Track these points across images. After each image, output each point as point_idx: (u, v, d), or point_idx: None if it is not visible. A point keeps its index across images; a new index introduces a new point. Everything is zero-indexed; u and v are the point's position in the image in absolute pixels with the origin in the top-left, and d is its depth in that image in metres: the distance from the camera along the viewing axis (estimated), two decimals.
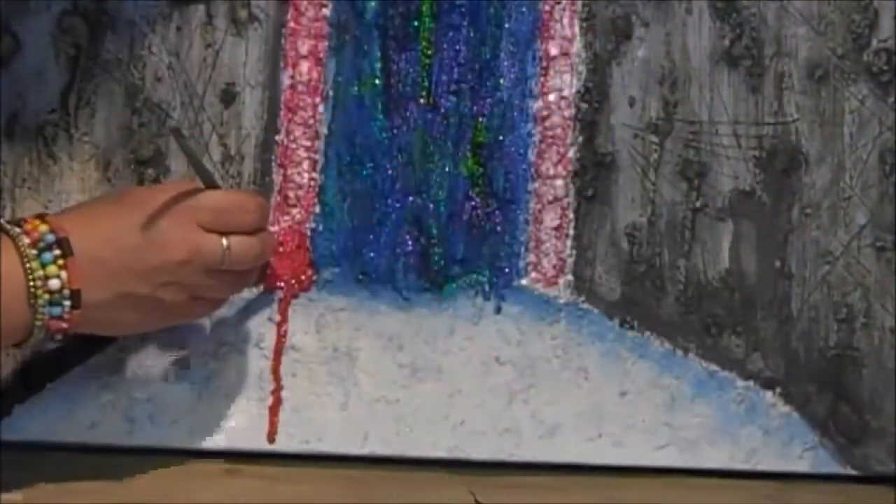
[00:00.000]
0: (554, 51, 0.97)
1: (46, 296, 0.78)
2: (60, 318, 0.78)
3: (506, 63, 0.97)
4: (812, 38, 0.99)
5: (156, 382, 0.92)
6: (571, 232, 0.97)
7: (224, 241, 0.83)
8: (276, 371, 0.94)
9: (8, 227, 0.78)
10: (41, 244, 0.78)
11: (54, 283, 0.78)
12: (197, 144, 0.94)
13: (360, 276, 0.95)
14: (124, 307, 0.81)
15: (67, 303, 0.78)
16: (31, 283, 0.77)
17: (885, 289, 0.99)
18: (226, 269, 0.84)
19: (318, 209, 0.95)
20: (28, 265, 0.77)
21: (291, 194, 0.95)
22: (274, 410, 0.94)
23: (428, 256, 0.96)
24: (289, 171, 0.95)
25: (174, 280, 0.82)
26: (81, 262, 0.78)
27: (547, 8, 0.97)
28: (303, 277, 0.94)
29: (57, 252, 0.78)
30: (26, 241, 0.78)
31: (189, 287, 0.83)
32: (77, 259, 0.78)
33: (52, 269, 0.78)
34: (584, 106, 0.97)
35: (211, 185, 0.85)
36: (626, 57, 0.98)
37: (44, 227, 0.78)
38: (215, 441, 0.93)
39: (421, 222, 0.96)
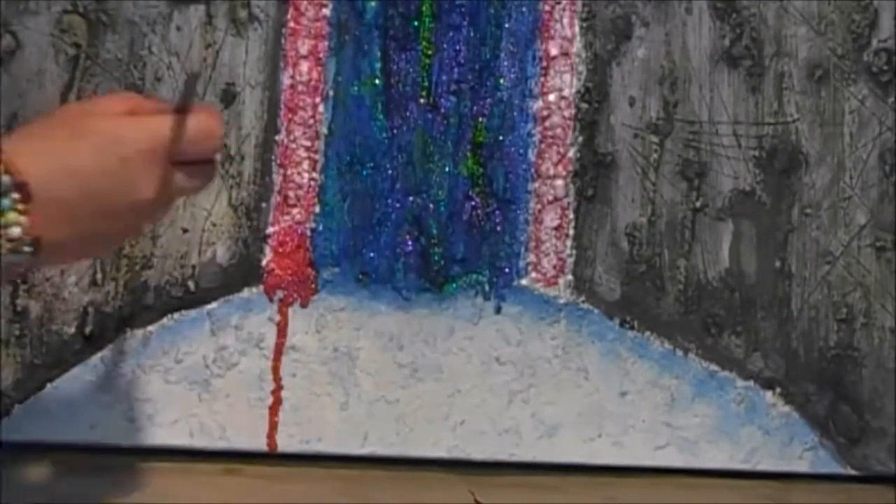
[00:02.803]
0: (554, 51, 0.97)
1: (9, 244, 0.70)
2: (19, 264, 0.71)
3: (506, 63, 0.97)
4: (812, 38, 0.99)
5: (156, 382, 0.92)
6: (571, 232, 0.97)
7: (189, 182, 0.76)
8: (276, 371, 0.94)
9: None
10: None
11: (14, 231, 0.70)
12: None
13: (360, 276, 0.95)
14: (86, 244, 0.75)
15: (28, 249, 0.70)
16: None
17: (885, 289, 0.99)
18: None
19: (318, 209, 0.95)
20: None
21: (291, 194, 0.95)
22: (274, 410, 0.94)
23: (428, 256, 0.96)
24: (289, 171, 0.95)
25: (139, 215, 0.76)
26: (43, 205, 0.71)
27: (547, 8, 0.97)
28: (305, 290, 0.94)
29: (16, 196, 0.70)
30: None
31: (146, 216, 0.77)
32: (38, 202, 0.70)
33: (11, 216, 0.70)
34: (584, 106, 0.97)
35: (183, 107, 0.77)
36: (626, 57, 0.98)
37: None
38: (215, 441, 0.93)
39: (421, 222, 0.96)
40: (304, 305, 0.94)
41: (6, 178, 0.69)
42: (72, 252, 0.76)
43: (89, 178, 0.73)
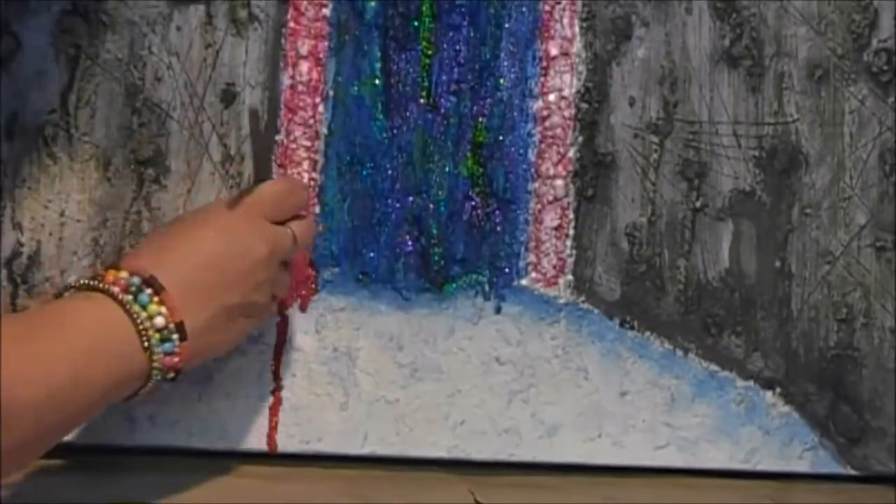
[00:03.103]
0: (554, 51, 0.97)
1: (157, 335, 0.76)
2: (172, 353, 0.77)
3: (506, 63, 0.97)
4: (812, 38, 0.99)
5: None
6: (571, 232, 0.97)
7: (288, 229, 0.85)
8: (276, 371, 0.94)
9: (94, 283, 0.77)
10: (132, 288, 0.76)
11: (159, 321, 0.76)
12: (197, 144, 0.94)
13: (360, 276, 0.95)
14: (225, 323, 0.80)
15: (175, 336, 0.77)
16: (141, 327, 0.75)
17: (885, 289, 0.99)
18: (286, 261, 0.86)
19: (318, 209, 0.95)
20: (131, 310, 0.75)
21: None
22: (274, 410, 0.94)
23: (428, 256, 0.96)
24: (289, 171, 0.95)
25: (262, 279, 0.82)
26: (175, 293, 0.77)
27: (547, 8, 0.97)
28: (305, 290, 0.94)
29: (149, 291, 0.76)
30: (116, 290, 0.76)
31: (271, 284, 0.83)
32: (169, 291, 0.77)
33: (152, 307, 0.76)
34: (584, 106, 0.97)
35: (263, 175, 0.88)
36: (626, 57, 0.98)
37: (124, 274, 0.77)
38: (215, 441, 0.93)
39: (421, 222, 0.96)
40: (303, 306, 0.94)
41: (136, 279, 0.76)
42: (218, 335, 0.81)
43: (201, 253, 0.80)
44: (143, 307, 0.76)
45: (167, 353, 0.77)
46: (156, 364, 0.76)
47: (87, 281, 0.77)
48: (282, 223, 0.85)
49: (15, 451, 0.69)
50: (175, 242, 0.81)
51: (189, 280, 0.78)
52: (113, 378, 0.75)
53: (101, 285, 0.76)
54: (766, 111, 0.99)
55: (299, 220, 0.87)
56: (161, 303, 0.76)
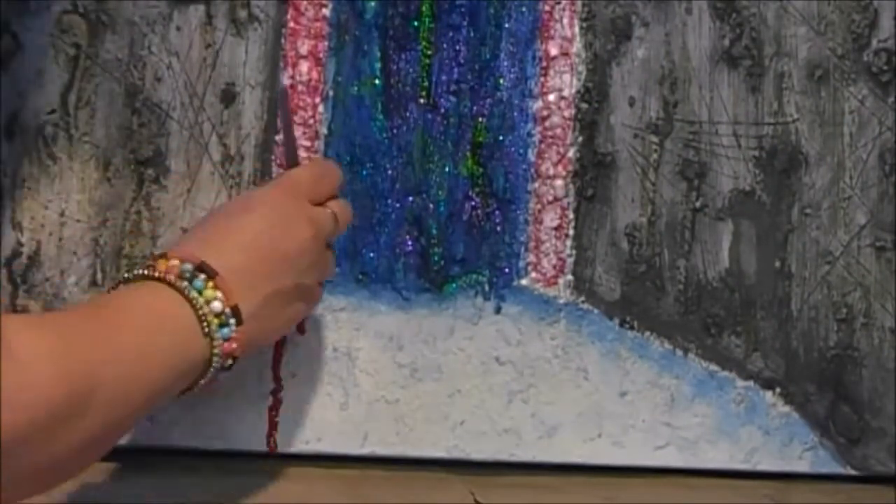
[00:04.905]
0: (554, 51, 0.97)
1: (216, 320, 0.74)
2: (230, 338, 0.75)
3: (506, 63, 0.97)
4: (812, 38, 0.99)
5: None
6: (571, 232, 0.97)
7: (329, 210, 0.84)
8: (276, 371, 0.94)
9: (146, 272, 0.75)
10: (185, 274, 0.74)
11: (216, 305, 0.74)
12: (197, 144, 0.94)
13: (360, 276, 0.95)
14: (277, 306, 0.79)
15: (233, 321, 0.75)
16: (200, 312, 0.73)
17: (885, 289, 0.99)
18: (329, 243, 0.85)
19: None
20: (190, 296, 0.73)
21: None
22: (274, 410, 0.94)
23: (428, 256, 0.96)
24: None
25: (310, 260, 0.81)
26: (226, 276, 0.75)
27: (547, 8, 0.97)
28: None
29: (203, 276, 0.74)
30: (171, 277, 0.73)
31: (318, 266, 0.83)
32: (222, 275, 0.75)
33: (208, 292, 0.74)
34: (584, 106, 0.98)
35: (295, 160, 0.87)
36: (626, 57, 0.98)
37: (175, 261, 0.75)
38: (215, 441, 0.93)
39: (421, 222, 0.96)
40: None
41: (188, 265, 0.75)
42: (271, 320, 0.79)
43: (249, 237, 0.79)
44: (200, 292, 0.74)
45: (226, 339, 0.75)
46: (216, 350, 0.74)
47: (139, 271, 0.75)
48: (321, 204, 0.84)
49: (100, 437, 0.67)
50: (220, 229, 0.79)
51: (239, 264, 0.77)
52: (176, 366, 0.72)
53: (155, 274, 0.74)
54: (766, 111, 0.99)
55: (336, 201, 0.86)
56: (216, 287, 0.74)
